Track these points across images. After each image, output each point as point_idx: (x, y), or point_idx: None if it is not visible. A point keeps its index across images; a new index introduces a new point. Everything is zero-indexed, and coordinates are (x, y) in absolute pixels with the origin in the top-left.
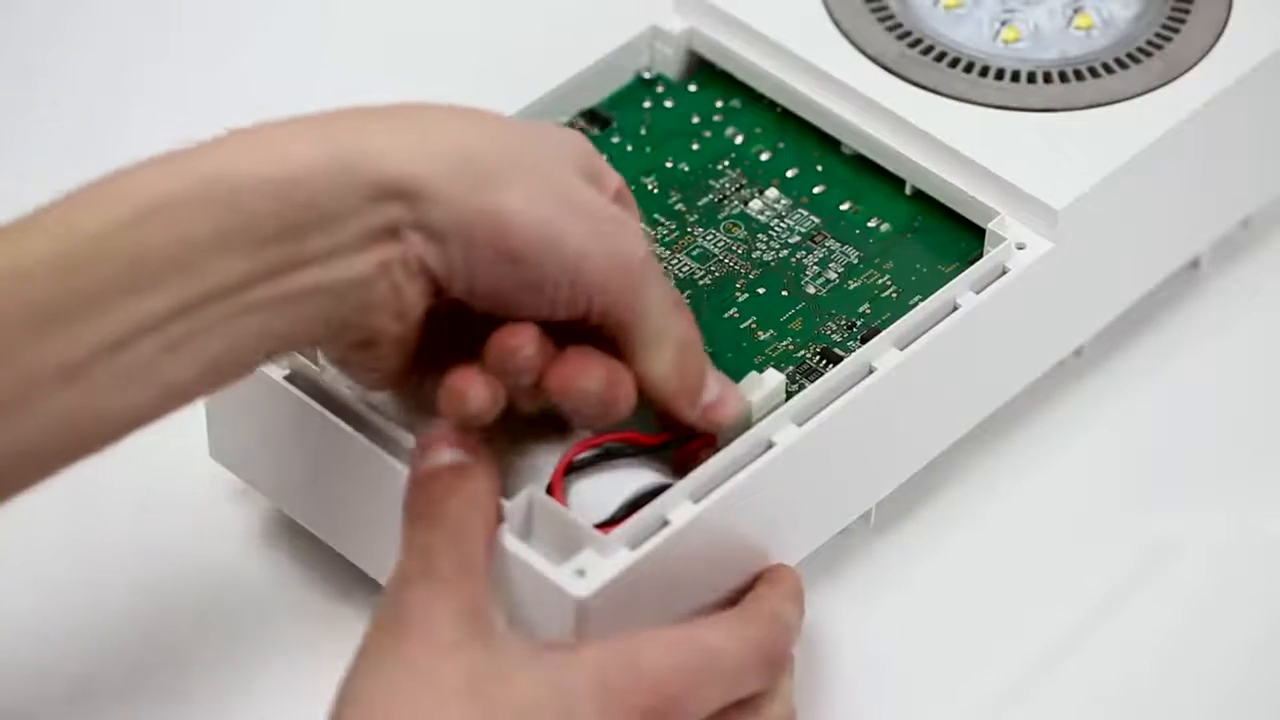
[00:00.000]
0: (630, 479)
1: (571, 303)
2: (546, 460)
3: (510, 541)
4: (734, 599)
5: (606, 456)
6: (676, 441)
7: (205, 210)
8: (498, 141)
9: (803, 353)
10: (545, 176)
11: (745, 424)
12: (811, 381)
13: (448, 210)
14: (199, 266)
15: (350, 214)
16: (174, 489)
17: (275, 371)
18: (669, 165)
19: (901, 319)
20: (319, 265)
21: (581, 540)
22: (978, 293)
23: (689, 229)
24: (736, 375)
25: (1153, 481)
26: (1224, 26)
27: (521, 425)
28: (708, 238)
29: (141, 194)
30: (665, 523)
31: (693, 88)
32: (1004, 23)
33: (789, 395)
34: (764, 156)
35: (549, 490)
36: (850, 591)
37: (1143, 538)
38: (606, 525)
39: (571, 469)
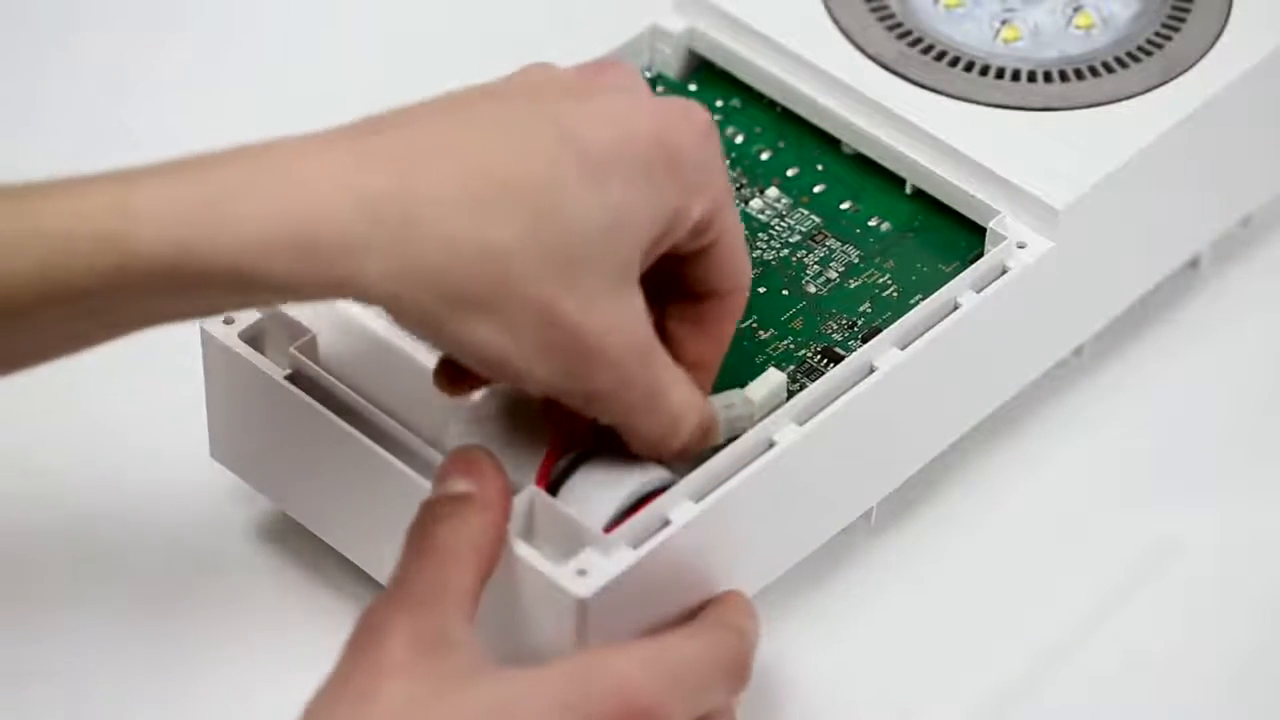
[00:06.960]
0: (624, 479)
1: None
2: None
3: (511, 541)
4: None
5: (588, 456)
6: None
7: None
8: (509, 252)
9: (804, 352)
10: (531, 305)
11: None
12: (812, 380)
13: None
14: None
15: (302, 291)
16: (174, 489)
17: (276, 371)
18: None
19: (902, 318)
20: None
21: (583, 539)
22: (978, 292)
23: None
24: (738, 375)
25: (1153, 481)
26: (1224, 25)
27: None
28: None
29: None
30: (666, 522)
31: (693, 87)
32: (1004, 22)
33: (790, 394)
34: (764, 156)
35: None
36: (850, 591)
37: (1143, 538)
38: (606, 528)
39: (556, 477)
